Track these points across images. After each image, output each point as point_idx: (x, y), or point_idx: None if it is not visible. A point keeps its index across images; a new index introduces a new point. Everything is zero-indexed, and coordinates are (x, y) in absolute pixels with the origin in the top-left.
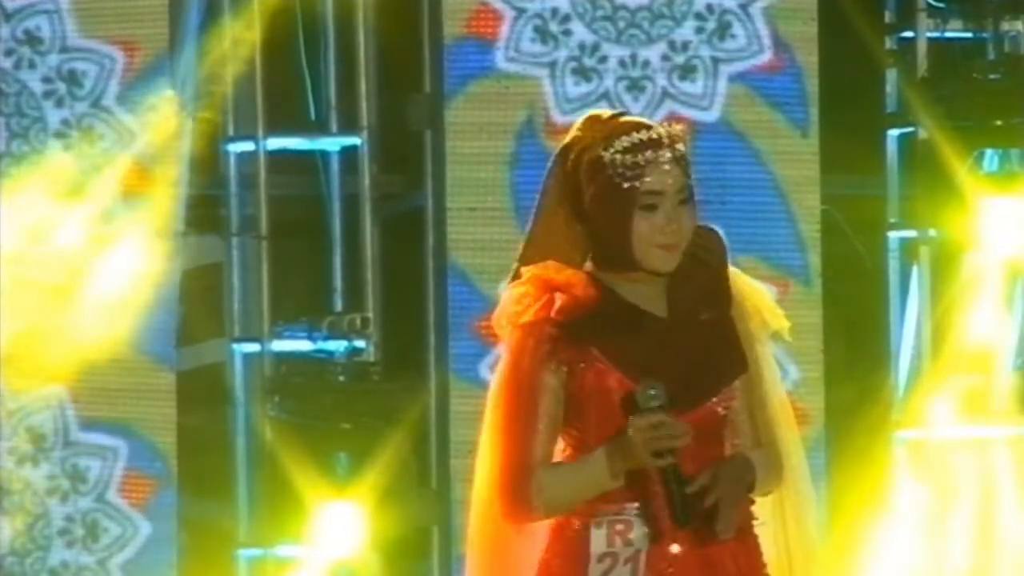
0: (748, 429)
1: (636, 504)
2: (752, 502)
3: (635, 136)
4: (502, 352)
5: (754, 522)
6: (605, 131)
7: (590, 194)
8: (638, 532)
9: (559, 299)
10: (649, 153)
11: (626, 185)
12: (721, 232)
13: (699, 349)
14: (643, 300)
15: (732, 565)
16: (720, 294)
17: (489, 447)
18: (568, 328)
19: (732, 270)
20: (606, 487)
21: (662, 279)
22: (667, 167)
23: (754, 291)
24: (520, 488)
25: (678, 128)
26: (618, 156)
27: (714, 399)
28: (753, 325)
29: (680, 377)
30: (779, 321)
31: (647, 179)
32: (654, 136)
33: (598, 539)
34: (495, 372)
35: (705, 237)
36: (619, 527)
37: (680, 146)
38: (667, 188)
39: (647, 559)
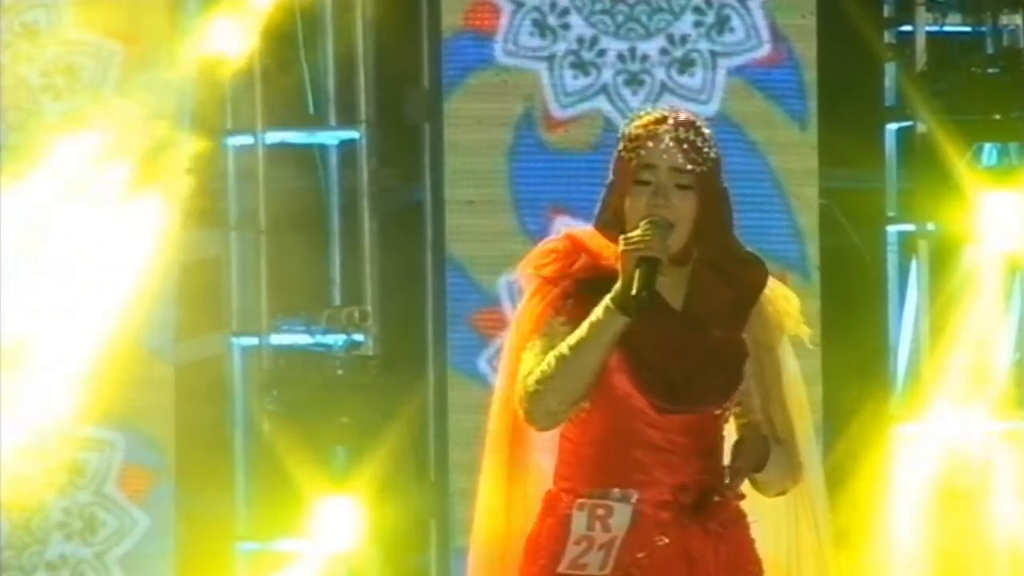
0: (766, 425)
1: (620, 490)
2: (742, 497)
3: (651, 115)
4: (522, 299)
5: (749, 520)
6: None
7: (610, 171)
8: (618, 518)
9: (584, 259)
10: (651, 128)
11: (626, 156)
12: (761, 260)
13: (703, 358)
14: (663, 289)
15: (713, 560)
16: (737, 318)
17: (500, 388)
18: (585, 287)
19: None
20: (612, 326)
21: (683, 272)
22: (664, 144)
23: (779, 296)
24: (531, 389)
25: (691, 117)
26: (627, 130)
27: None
28: (772, 328)
29: (678, 377)
30: (798, 328)
31: (642, 152)
32: (660, 116)
33: (579, 522)
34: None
35: (744, 264)
36: (600, 512)
37: (686, 132)
38: (661, 163)
39: (622, 545)
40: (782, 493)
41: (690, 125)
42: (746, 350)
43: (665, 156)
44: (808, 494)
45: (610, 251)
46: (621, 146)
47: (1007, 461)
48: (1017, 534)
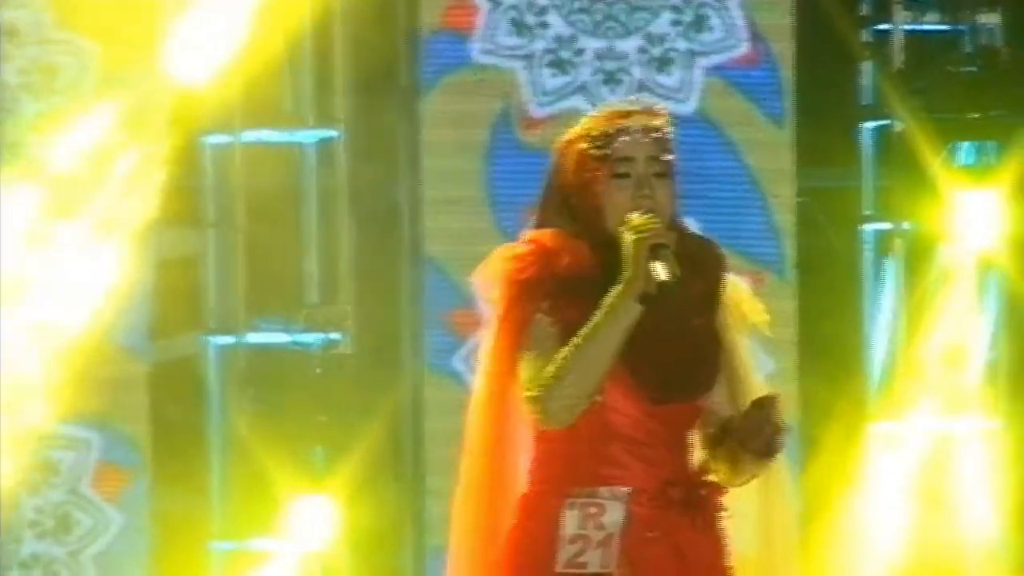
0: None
1: (608, 487)
2: (725, 491)
3: (609, 111)
4: (493, 308)
5: (722, 514)
6: (589, 117)
7: (570, 172)
8: (611, 516)
9: (566, 259)
10: (620, 122)
11: (598, 153)
12: (717, 242)
13: (688, 348)
14: None
15: (701, 554)
16: (711, 303)
17: (480, 394)
18: (569, 286)
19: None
20: (629, 315)
21: None
22: (638, 136)
23: (734, 286)
24: (548, 385)
25: (657, 107)
26: (592, 128)
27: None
28: (732, 318)
29: (671, 367)
30: (758, 315)
31: (616, 145)
32: (627, 109)
33: (570, 521)
34: (486, 333)
35: (704, 249)
36: (592, 510)
37: (655, 121)
38: (637, 155)
39: (619, 542)
40: (748, 480)
41: (653, 113)
42: (720, 338)
43: (639, 147)
44: (777, 485)
45: (583, 250)
46: (586, 145)
47: (982, 459)
48: (991, 532)
